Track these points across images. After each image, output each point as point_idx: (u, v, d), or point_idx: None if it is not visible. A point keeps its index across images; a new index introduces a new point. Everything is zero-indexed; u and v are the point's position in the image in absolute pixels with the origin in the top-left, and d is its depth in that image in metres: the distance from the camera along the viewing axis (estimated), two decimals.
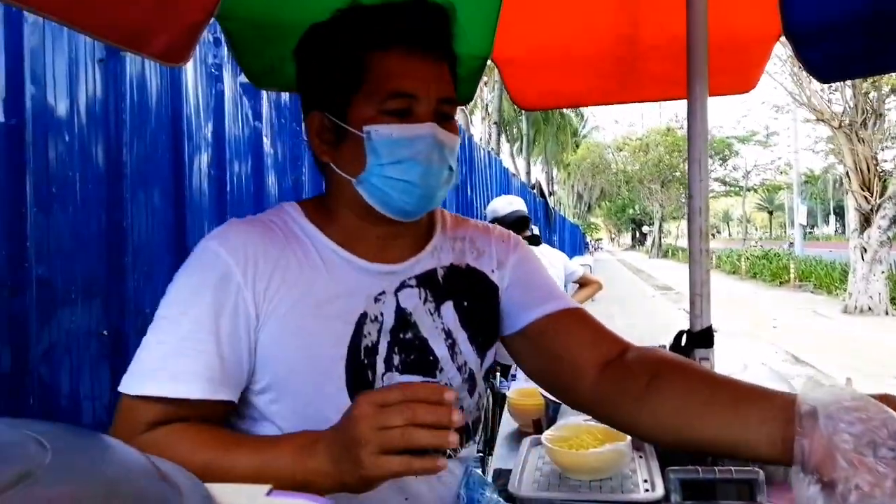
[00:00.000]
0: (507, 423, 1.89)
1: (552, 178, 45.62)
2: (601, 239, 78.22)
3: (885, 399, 0.70)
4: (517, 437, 1.71)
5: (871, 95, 12.78)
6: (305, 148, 2.78)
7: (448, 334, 0.99)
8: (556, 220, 18.74)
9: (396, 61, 0.89)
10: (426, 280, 0.99)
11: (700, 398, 0.84)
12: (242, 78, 2.28)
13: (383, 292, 0.94)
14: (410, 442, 0.69)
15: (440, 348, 0.97)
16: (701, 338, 1.06)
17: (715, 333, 1.09)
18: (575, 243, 28.37)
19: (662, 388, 0.88)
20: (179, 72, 1.93)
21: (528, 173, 32.20)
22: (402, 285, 0.96)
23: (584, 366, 0.96)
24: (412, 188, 0.89)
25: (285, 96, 2.61)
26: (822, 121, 13.54)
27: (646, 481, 0.97)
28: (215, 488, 0.59)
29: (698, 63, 1.17)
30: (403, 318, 0.95)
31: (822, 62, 1.76)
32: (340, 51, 0.91)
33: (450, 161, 0.91)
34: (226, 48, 2.14)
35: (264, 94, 2.45)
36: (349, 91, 0.90)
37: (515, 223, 3.70)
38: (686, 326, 1.15)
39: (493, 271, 1.06)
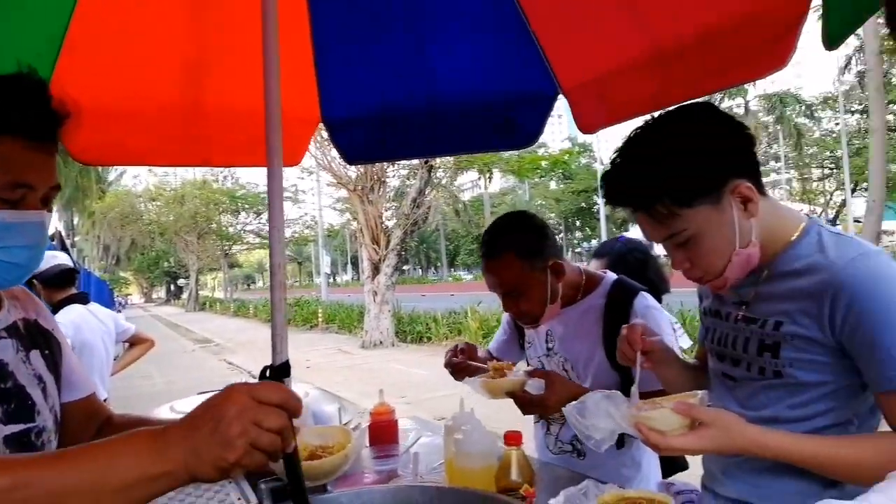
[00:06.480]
0: None
1: (73, 227, 40.52)
2: (130, 294, 72.60)
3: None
4: None
5: (374, 167, 15.43)
6: None
7: (39, 379, 1.06)
8: (80, 274, 16.72)
9: (17, 151, 0.93)
10: (13, 331, 1.05)
11: None
12: None
13: None
14: (275, 448, 0.71)
15: (35, 394, 1.04)
16: (281, 370, 1.28)
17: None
18: (103, 300, 25.64)
19: None
20: None
21: None
22: None
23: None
24: (17, 269, 0.95)
25: None
26: (341, 184, 15.72)
27: (240, 499, 1.10)
28: None
29: (275, 136, 1.32)
30: (1, 370, 0.98)
31: (351, 147, 2.24)
32: None
33: (47, 240, 1.00)
34: None
35: None
36: None
37: (59, 278, 3.30)
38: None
39: (54, 329, 1.18)
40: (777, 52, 1.51)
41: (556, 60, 2.08)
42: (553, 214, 54.81)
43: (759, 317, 1.23)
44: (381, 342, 15.14)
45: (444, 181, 21.36)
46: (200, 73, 1.93)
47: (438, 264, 75.23)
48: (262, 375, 1.39)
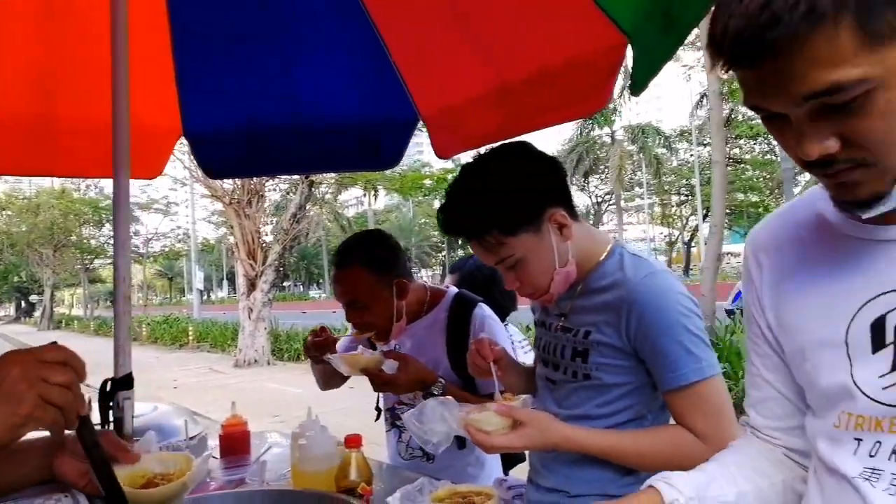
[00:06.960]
0: None
1: None
2: None
3: None
4: None
5: (252, 180, 15.00)
6: None
7: None
8: None
9: None
10: None
11: None
12: None
13: None
14: (67, 401, 0.72)
15: None
16: (123, 382, 1.30)
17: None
18: None
19: None
20: None
21: None
22: None
23: None
24: None
25: None
26: (216, 197, 15.14)
27: None
28: None
29: (122, 146, 1.34)
30: None
31: (213, 161, 2.25)
32: None
33: None
34: None
35: None
36: None
37: None
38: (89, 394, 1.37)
39: None
40: (600, 94, 1.73)
41: (415, 89, 2.21)
42: (436, 232, 55.65)
43: (574, 327, 1.41)
44: (255, 360, 14.65)
45: (327, 196, 21.17)
46: (49, 82, 1.88)
47: (321, 281, 73.91)
48: (103, 389, 1.39)
